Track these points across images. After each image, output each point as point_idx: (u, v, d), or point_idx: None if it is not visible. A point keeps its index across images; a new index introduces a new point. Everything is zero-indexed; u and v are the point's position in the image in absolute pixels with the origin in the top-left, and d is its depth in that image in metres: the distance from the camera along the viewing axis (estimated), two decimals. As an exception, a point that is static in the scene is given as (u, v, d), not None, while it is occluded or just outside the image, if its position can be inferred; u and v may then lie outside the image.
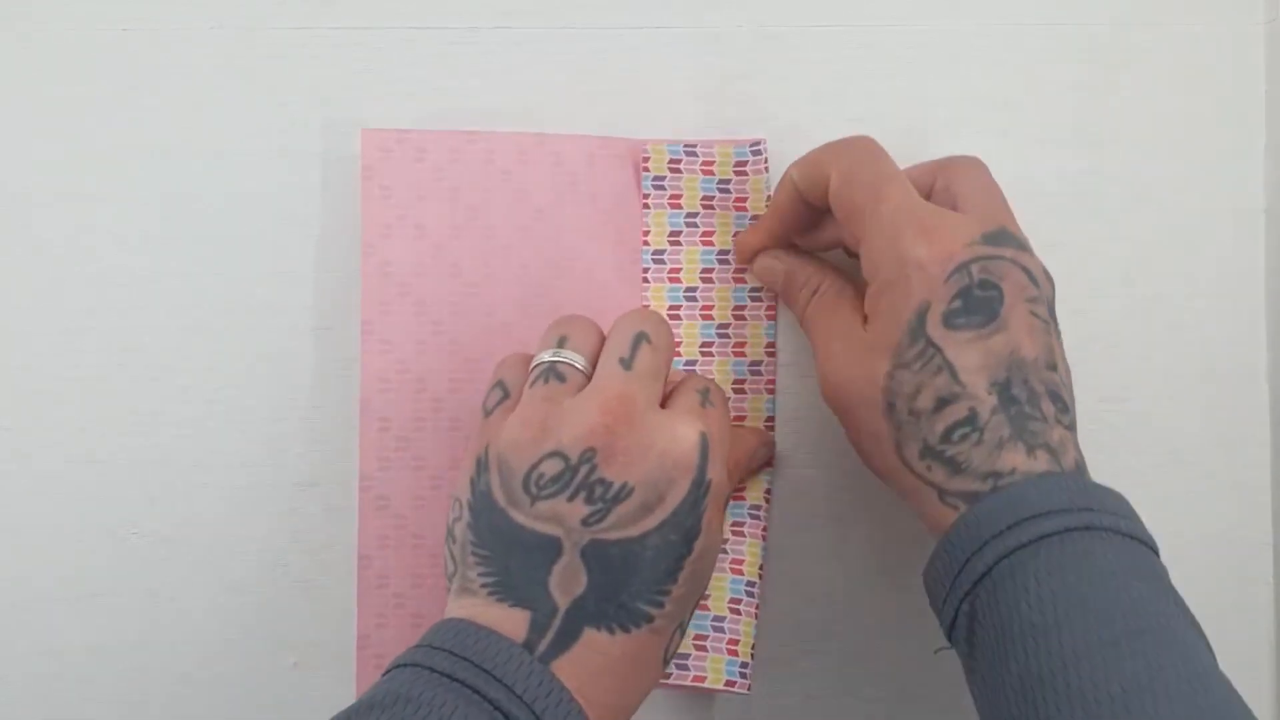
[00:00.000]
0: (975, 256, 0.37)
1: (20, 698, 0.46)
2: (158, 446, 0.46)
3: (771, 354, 0.46)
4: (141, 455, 0.46)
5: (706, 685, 0.43)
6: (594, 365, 0.38)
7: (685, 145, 0.45)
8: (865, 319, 0.39)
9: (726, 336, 0.46)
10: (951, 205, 0.39)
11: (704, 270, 0.46)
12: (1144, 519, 0.46)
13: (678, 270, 0.46)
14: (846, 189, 0.39)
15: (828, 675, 0.46)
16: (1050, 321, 0.38)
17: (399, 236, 0.45)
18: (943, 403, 0.36)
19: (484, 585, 0.35)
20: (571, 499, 0.35)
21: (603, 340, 0.39)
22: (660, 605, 0.35)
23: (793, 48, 0.46)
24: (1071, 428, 0.37)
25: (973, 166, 0.41)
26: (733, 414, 0.45)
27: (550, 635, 0.34)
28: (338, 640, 0.46)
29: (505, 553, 0.35)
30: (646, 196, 0.46)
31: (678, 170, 0.45)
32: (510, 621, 0.34)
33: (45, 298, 0.46)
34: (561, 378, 0.38)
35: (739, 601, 0.44)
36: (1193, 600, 0.46)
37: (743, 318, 0.46)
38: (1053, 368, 0.37)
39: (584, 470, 0.35)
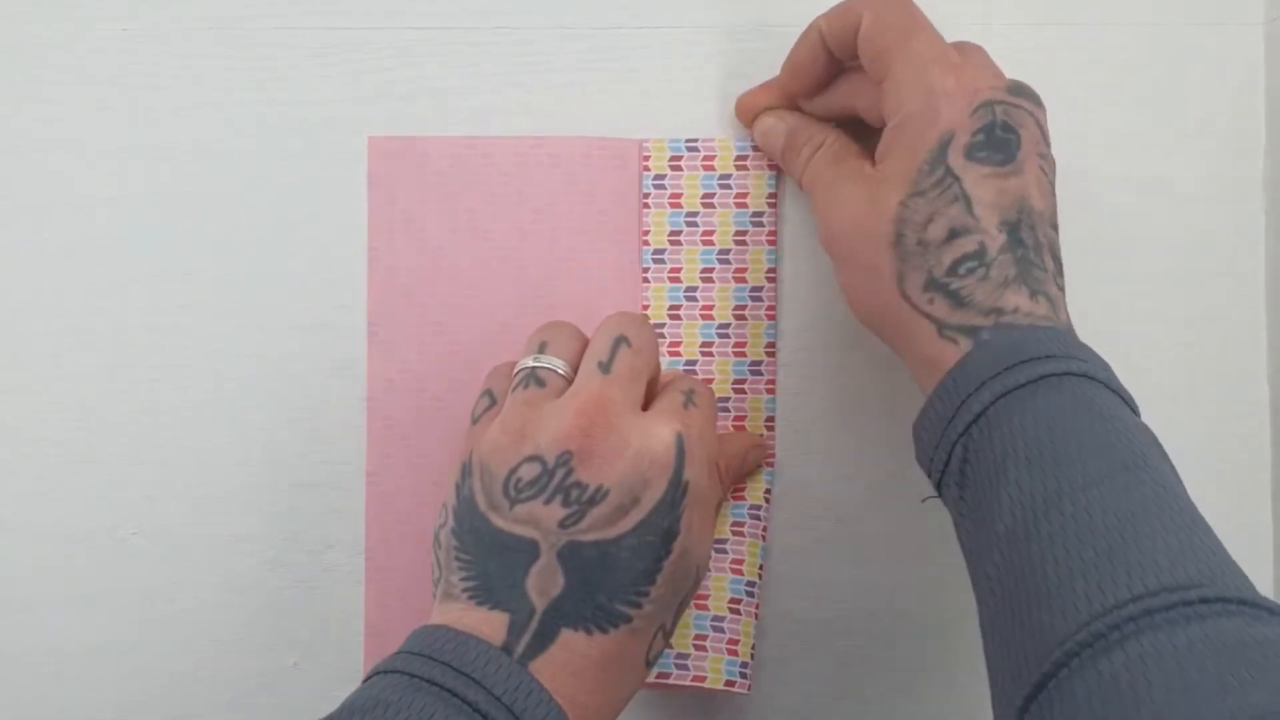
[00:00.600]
0: (1000, 99, 0.38)
1: (20, 697, 0.46)
2: (158, 446, 0.46)
3: (771, 354, 0.46)
4: (141, 455, 0.46)
5: (706, 685, 0.43)
6: (573, 365, 0.39)
7: (686, 141, 0.46)
8: (874, 164, 0.39)
9: (726, 336, 0.46)
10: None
11: (704, 270, 0.46)
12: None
13: (678, 270, 0.46)
14: (877, 30, 0.39)
15: (828, 675, 0.46)
16: (1054, 187, 0.39)
17: (402, 240, 0.45)
18: (954, 234, 0.37)
19: (465, 590, 0.36)
20: (548, 502, 0.35)
21: (585, 345, 0.39)
22: (638, 606, 0.35)
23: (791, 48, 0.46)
24: (1063, 291, 0.38)
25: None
26: (733, 414, 0.46)
27: (528, 637, 0.34)
28: (338, 640, 0.46)
29: (485, 556, 0.36)
30: (646, 196, 0.46)
31: (678, 168, 0.46)
32: (489, 624, 0.35)
33: (45, 298, 0.46)
34: (541, 383, 0.38)
35: (739, 601, 0.44)
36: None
37: (743, 318, 0.46)
38: (1054, 227, 0.38)
39: (560, 473, 0.35)
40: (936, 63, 0.38)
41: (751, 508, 0.45)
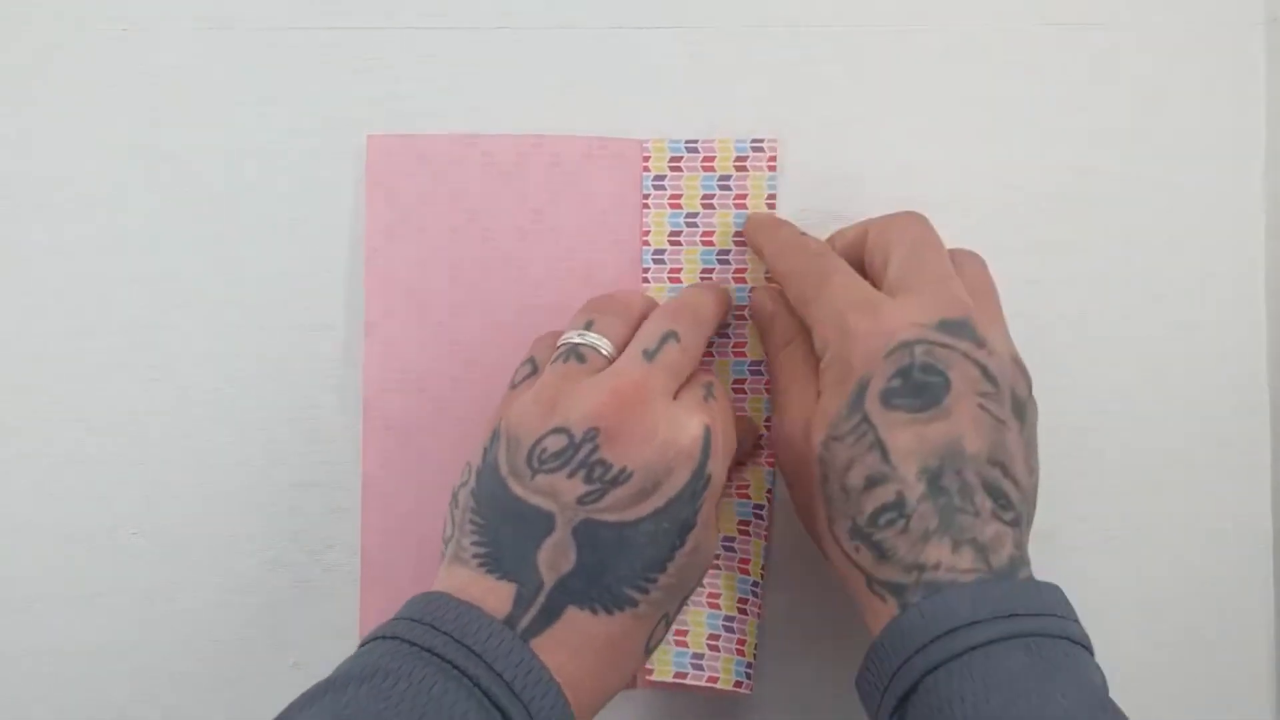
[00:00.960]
0: (920, 338, 0.37)
1: (20, 698, 0.46)
2: (158, 446, 0.46)
3: (771, 354, 0.46)
4: (141, 455, 0.46)
5: (719, 686, 0.43)
6: (619, 350, 0.39)
7: (686, 142, 0.46)
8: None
9: (726, 337, 0.46)
10: (885, 263, 0.39)
11: (704, 270, 0.46)
12: (1145, 520, 0.46)
13: (678, 270, 0.46)
14: (796, 287, 0.40)
15: (828, 675, 0.46)
16: (1009, 421, 0.37)
17: (401, 239, 0.45)
18: (871, 482, 0.36)
19: (475, 555, 0.35)
20: (570, 476, 0.35)
21: (632, 329, 0.40)
22: (646, 592, 0.35)
23: (793, 48, 0.46)
24: (1016, 525, 0.36)
25: (928, 242, 0.40)
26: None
27: (533, 611, 0.34)
28: (338, 640, 0.46)
29: (500, 523, 0.35)
30: (646, 196, 0.46)
31: (678, 169, 0.46)
32: (495, 595, 0.34)
33: (45, 297, 0.46)
34: (582, 359, 0.38)
35: (745, 601, 0.44)
36: (1193, 600, 0.46)
37: (743, 317, 0.46)
38: (998, 464, 0.36)
39: (586, 449, 0.35)
40: (852, 306, 0.38)
41: (755, 507, 0.45)
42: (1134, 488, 0.46)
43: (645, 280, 0.46)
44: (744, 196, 0.46)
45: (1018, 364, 0.38)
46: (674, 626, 0.44)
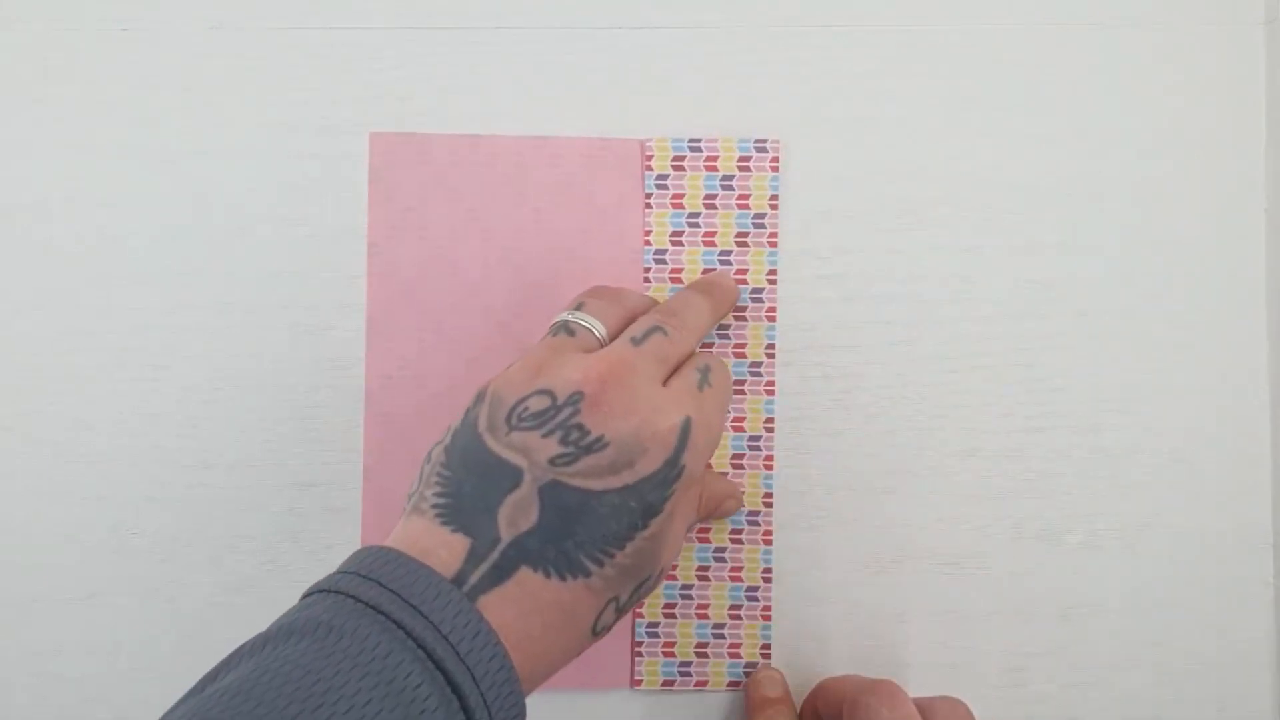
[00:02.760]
0: None
1: (20, 698, 0.46)
2: (158, 446, 0.46)
3: (771, 355, 0.46)
4: (141, 455, 0.46)
5: (709, 688, 0.44)
6: (610, 335, 0.39)
7: (689, 141, 0.46)
8: None
9: (727, 337, 0.46)
10: None
11: (705, 270, 0.46)
12: (1144, 519, 0.46)
13: (679, 270, 0.46)
14: None
15: (827, 675, 0.46)
16: None
17: (403, 236, 0.45)
18: None
19: (434, 506, 0.35)
20: (546, 436, 0.35)
21: (623, 317, 0.40)
22: (600, 564, 0.35)
23: (793, 48, 0.46)
24: None
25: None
26: (732, 415, 0.46)
27: (485, 567, 0.34)
28: (338, 640, 0.46)
29: (466, 474, 0.35)
30: (649, 196, 0.46)
31: (681, 168, 0.46)
32: (448, 548, 0.34)
33: (45, 298, 0.46)
34: (572, 333, 0.38)
35: (739, 608, 0.45)
36: (1193, 600, 0.46)
37: (743, 318, 0.46)
38: None
39: (566, 411, 0.35)
40: None
41: (750, 513, 0.45)
42: (1134, 488, 0.46)
43: (646, 280, 0.46)
44: (746, 196, 0.46)
45: None
46: (662, 639, 0.45)
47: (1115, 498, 0.46)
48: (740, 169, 0.45)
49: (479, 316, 0.46)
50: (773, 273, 0.46)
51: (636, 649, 0.45)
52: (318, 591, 0.33)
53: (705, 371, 0.39)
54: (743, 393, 0.46)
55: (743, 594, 0.45)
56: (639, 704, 0.46)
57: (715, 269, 0.46)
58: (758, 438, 0.45)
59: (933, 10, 0.46)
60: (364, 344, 0.46)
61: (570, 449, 0.35)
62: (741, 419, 0.46)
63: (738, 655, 0.45)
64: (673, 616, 0.45)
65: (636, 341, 0.38)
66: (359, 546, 0.45)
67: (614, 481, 0.35)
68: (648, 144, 0.46)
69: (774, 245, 0.46)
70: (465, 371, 0.45)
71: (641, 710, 0.46)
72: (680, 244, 0.46)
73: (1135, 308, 0.47)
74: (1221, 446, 0.47)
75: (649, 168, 0.46)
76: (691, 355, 0.40)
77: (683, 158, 0.46)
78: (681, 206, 0.46)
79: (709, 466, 0.44)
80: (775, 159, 0.46)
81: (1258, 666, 0.46)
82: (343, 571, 0.33)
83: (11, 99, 0.46)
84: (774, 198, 0.45)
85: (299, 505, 0.46)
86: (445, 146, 0.46)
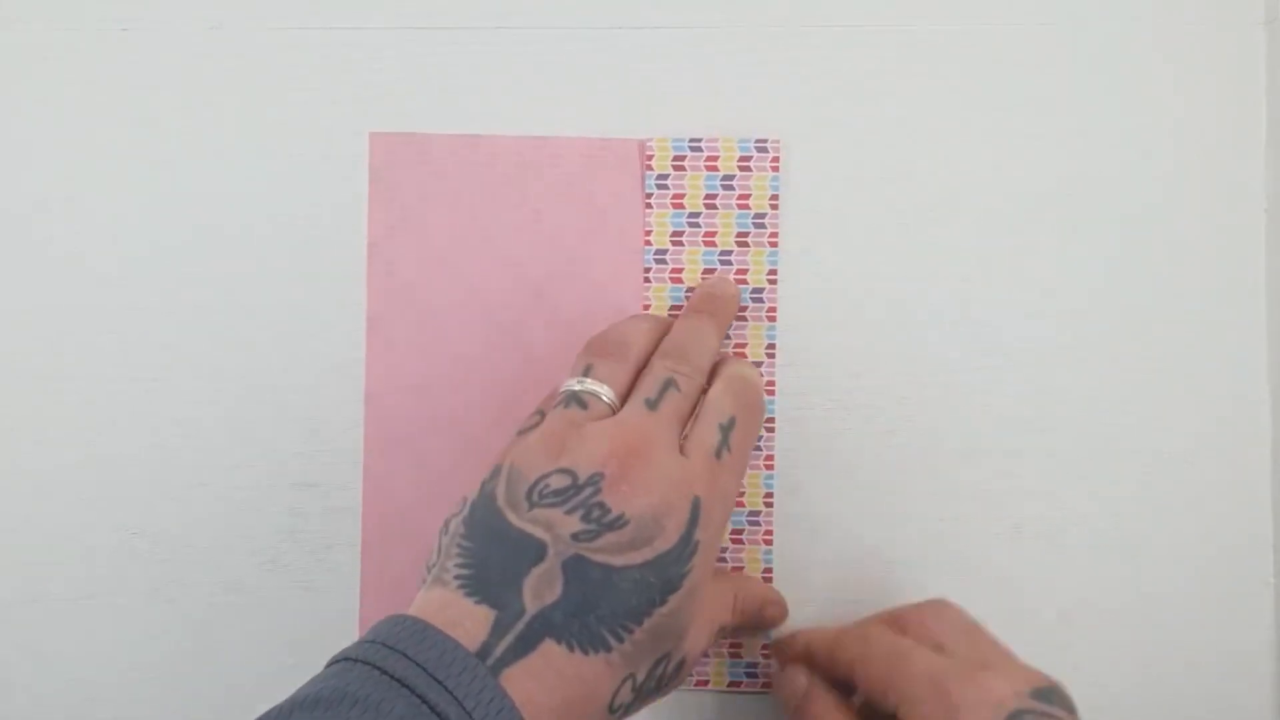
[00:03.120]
0: (1027, 708, 0.36)
1: (20, 698, 0.46)
2: (158, 447, 0.46)
3: (771, 355, 0.46)
4: (141, 456, 0.46)
5: (710, 687, 0.44)
6: (619, 396, 0.39)
7: (690, 141, 0.46)
8: None
9: (728, 337, 0.46)
10: (942, 646, 0.39)
11: (705, 270, 0.46)
12: (1145, 520, 0.46)
13: (679, 270, 0.46)
14: (868, 671, 0.39)
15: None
16: None
17: (403, 237, 0.45)
18: None
19: (457, 577, 0.35)
20: (569, 512, 0.35)
21: (631, 373, 0.40)
22: (621, 639, 0.35)
23: (793, 48, 0.46)
24: None
25: (977, 624, 0.40)
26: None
27: (510, 638, 0.34)
28: (338, 640, 0.45)
29: (488, 547, 0.35)
30: (649, 196, 0.46)
31: (681, 168, 0.46)
32: (472, 619, 0.34)
33: (45, 299, 0.46)
34: (583, 404, 0.38)
35: None
36: (1193, 600, 0.46)
37: (743, 318, 0.46)
38: None
39: (588, 490, 0.36)
40: (953, 679, 0.37)
41: (750, 514, 0.45)
42: (1134, 488, 0.46)
43: (647, 280, 0.46)
44: (747, 196, 0.46)
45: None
46: None
47: (1115, 498, 0.46)
48: (741, 169, 0.46)
49: (479, 317, 0.46)
50: (773, 273, 0.46)
51: None
52: (344, 659, 0.33)
53: (727, 431, 0.39)
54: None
55: None
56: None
57: (716, 269, 0.46)
58: (759, 437, 0.45)
59: (933, 10, 0.46)
60: (364, 344, 0.46)
61: (592, 526, 0.35)
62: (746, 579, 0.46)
63: (738, 655, 0.45)
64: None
65: (652, 405, 0.38)
66: (359, 546, 0.45)
67: (635, 557, 0.35)
68: (648, 144, 0.46)
69: (774, 245, 0.46)
70: (466, 372, 0.45)
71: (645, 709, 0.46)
72: (681, 244, 0.46)
73: (1135, 308, 0.47)
74: (1222, 446, 0.47)
75: (649, 168, 0.46)
76: (715, 402, 0.39)
77: (683, 158, 0.46)
78: (682, 206, 0.46)
79: (747, 577, 0.44)
80: (776, 159, 0.46)
81: (1258, 667, 0.46)
82: (370, 640, 0.34)
83: (11, 99, 0.46)
84: (774, 197, 0.45)
85: (299, 505, 0.46)
86: (445, 147, 0.46)
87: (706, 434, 0.39)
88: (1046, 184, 0.46)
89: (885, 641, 0.39)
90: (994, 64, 0.46)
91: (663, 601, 0.35)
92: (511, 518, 0.36)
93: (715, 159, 0.46)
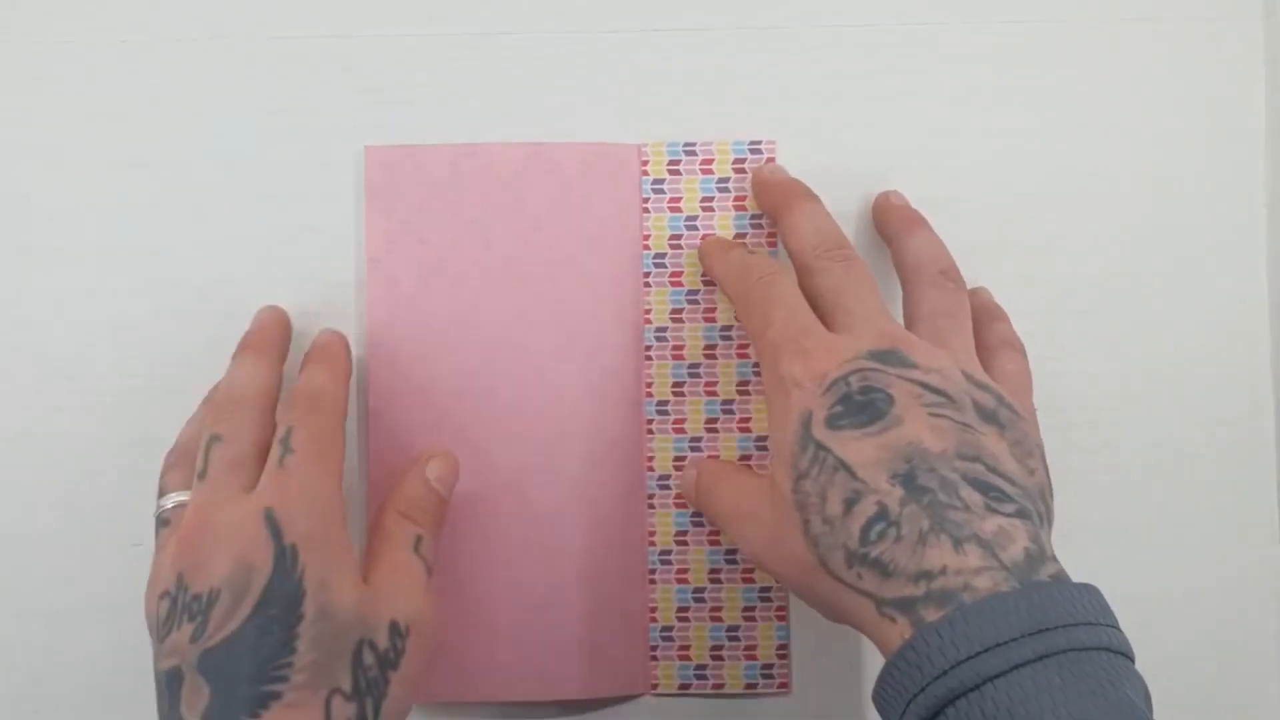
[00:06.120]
0: (852, 370, 0.37)
1: (22, 708, 0.45)
2: (160, 458, 0.46)
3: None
4: (143, 465, 0.46)
5: (726, 690, 0.45)
6: (185, 482, 0.40)
7: (685, 145, 0.46)
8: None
9: (730, 339, 0.46)
10: (834, 311, 0.40)
11: (704, 271, 0.46)
12: (1147, 521, 0.46)
13: (679, 274, 0.46)
14: (744, 316, 0.42)
15: (828, 675, 0.46)
16: (977, 426, 0.36)
17: (402, 249, 0.45)
18: (849, 502, 0.35)
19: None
20: (180, 626, 0.36)
21: (192, 451, 0.40)
22: (284, 680, 0.35)
23: (792, 48, 0.46)
24: (1024, 517, 0.35)
25: (863, 280, 0.41)
26: (738, 416, 0.45)
27: None
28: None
29: (159, 696, 0.37)
30: (646, 200, 0.46)
31: (677, 172, 0.46)
32: None
33: (43, 307, 0.46)
34: (166, 523, 0.40)
35: (754, 609, 0.45)
36: (1197, 602, 0.46)
37: (744, 320, 0.46)
38: (975, 460, 0.36)
39: (181, 596, 0.37)
40: (785, 350, 0.39)
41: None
42: (1136, 488, 0.46)
43: (646, 284, 0.46)
44: (743, 198, 0.46)
45: (973, 379, 0.38)
46: (677, 642, 0.45)
47: (1116, 497, 0.46)
48: (736, 171, 0.46)
49: (480, 326, 0.45)
50: (772, 275, 0.46)
51: (652, 653, 0.45)
52: None
53: (285, 442, 0.39)
54: (747, 394, 0.45)
55: (756, 595, 0.45)
56: (657, 709, 0.46)
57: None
58: (764, 438, 0.45)
59: (932, 10, 0.47)
60: (365, 354, 0.46)
61: (198, 619, 0.36)
62: (748, 419, 0.45)
63: (754, 657, 0.44)
64: (687, 620, 0.45)
65: (202, 476, 0.39)
66: (358, 546, 0.45)
67: (244, 610, 0.36)
68: (643, 148, 0.46)
69: (773, 246, 0.46)
70: (468, 380, 0.45)
71: (661, 715, 0.45)
72: (679, 247, 0.46)
73: (1135, 306, 0.46)
74: (1224, 445, 0.46)
75: (645, 172, 0.46)
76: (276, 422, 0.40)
77: (678, 161, 0.46)
78: (679, 210, 0.46)
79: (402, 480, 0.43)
80: (771, 159, 0.46)
81: (1260, 667, 0.46)
82: None
83: (10, 110, 0.46)
84: None
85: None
86: (441, 157, 0.46)
87: (271, 454, 0.39)
88: (1045, 183, 0.46)
89: (762, 291, 0.41)
90: (991, 62, 0.47)
91: (298, 618, 0.36)
92: (159, 663, 0.37)
93: (710, 161, 0.46)
